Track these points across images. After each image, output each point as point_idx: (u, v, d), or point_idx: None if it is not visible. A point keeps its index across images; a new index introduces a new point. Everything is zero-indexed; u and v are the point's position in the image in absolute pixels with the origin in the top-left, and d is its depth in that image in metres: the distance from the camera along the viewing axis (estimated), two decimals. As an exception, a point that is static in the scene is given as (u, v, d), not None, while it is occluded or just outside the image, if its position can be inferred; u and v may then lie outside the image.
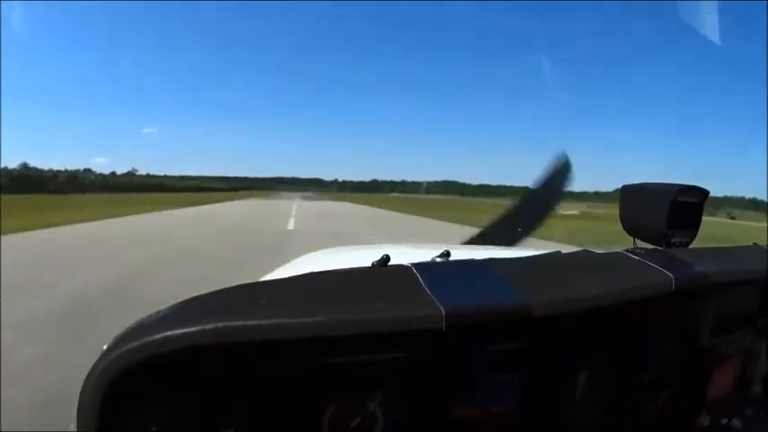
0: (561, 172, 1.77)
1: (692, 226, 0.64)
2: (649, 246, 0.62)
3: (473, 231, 1.64)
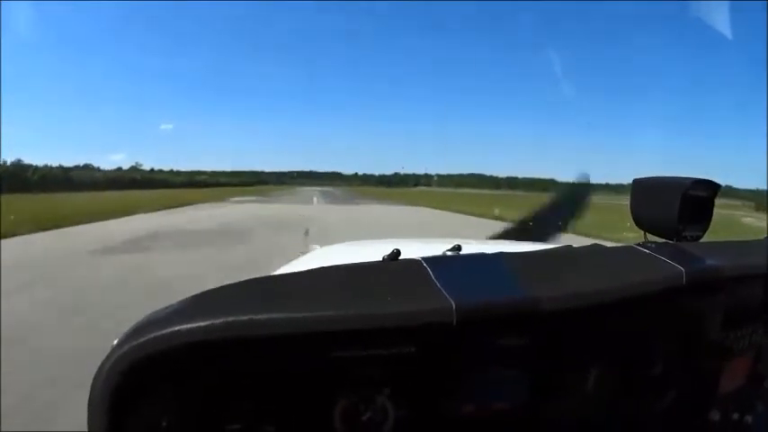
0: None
1: (704, 220, 0.63)
2: (660, 240, 0.61)
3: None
